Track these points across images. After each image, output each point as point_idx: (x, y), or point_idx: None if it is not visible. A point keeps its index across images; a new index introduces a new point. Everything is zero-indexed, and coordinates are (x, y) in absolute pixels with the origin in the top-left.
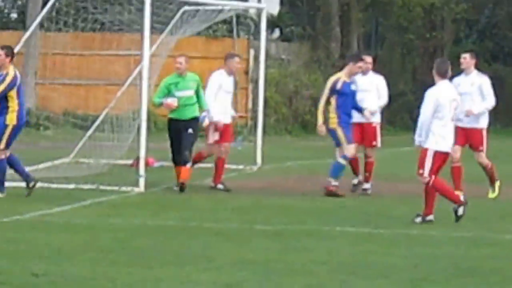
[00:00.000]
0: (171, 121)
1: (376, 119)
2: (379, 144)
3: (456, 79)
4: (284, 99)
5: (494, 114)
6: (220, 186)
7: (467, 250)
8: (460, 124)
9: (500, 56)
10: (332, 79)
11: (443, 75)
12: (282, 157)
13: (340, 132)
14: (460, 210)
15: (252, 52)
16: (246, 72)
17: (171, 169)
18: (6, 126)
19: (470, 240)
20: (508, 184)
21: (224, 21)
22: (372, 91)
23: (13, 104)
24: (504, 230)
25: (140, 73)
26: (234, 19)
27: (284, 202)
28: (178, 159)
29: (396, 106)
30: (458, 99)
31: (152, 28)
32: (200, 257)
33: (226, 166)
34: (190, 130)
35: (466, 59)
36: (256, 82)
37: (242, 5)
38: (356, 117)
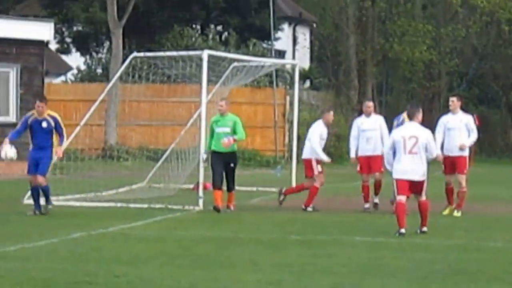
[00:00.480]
0: (213, 153)
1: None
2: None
3: (445, 117)
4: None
5: (479, 146)
6: (309, 208)
7: (459, 255)
8: (450, 154)
9: (484, 100)
10: None
11: (410, 118)
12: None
13: None
14: (402, 231)
15: (288, 98)
16: (284, 115)
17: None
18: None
19: (461, 247)
20: (491, 202)
21: (266, 74)
22: (377, 129)
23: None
24: (488, 238)
25: (199, 116)
26: (274, 73)
27: (314, 217)
28: (219, 184)
29: None
30: (420, 136)
31: (209, 80)
32: (247, 261)
33: (272, 189)
34: (232, 165)
35: (454, 101)
36: (291, 123)
37: (280, 62)
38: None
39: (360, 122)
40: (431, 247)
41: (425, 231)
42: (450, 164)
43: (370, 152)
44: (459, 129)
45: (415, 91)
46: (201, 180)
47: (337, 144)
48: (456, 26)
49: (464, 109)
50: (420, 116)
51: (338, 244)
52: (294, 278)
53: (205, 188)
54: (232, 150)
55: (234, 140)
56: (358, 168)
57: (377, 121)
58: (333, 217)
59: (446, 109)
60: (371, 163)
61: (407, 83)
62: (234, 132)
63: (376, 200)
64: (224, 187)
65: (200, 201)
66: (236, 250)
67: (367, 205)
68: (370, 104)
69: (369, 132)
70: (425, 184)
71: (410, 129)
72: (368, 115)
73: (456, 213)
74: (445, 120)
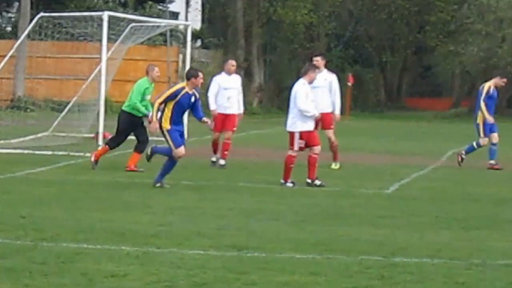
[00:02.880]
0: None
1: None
2: None
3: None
4: (204, 90)
5: (354, 102)
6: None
7: (334, 200)
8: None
9: (359, 60)
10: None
11: (302, 74)
12: (202, 132)
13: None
14: (288, 185)
15: (181, 56)
16: (177, 71)
17: None
18: None
19: (337, 193)
20: (364, 152)
21: (161, 34)
22: (238, 88)
23: None
24: (361, 186)
25: (99, 71)
26: (168, 33)
27: (203, 164)
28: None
29: (284, 96)
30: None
31: (108, 38)
32: (141, 204)
33: None
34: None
35: (318, 60)
36: (183, 79)
37: (174, 22)
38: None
39: (221, 80)
40: (309, 193)
41: (310, 182)
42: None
43: (231, 110)
44: (323, 87)
45: (297, 51)
46: (100, 130)
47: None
48: None
49: (328, 68)
50: (312, 74)
51: (224, 189)
52: (184, 220)
53: (104, 137)
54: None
55: None
56: (212, 126)
57: (237, 80)
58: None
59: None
60: (226, 121)
61: (289, 43)
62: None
63: (214, 159)
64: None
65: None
66: (131, 194)
67: (214, 158)
68: (234, 63)
69: (230, 91)
70: (294, 136)
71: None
72: (230, 73)
73: (334, 166)
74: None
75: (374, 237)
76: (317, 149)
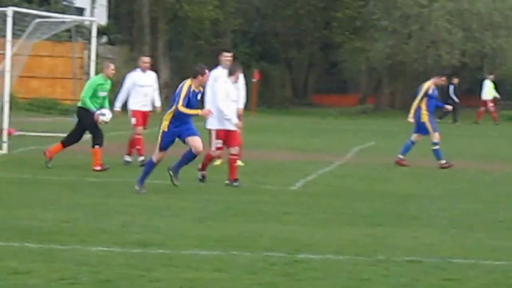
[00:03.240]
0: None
1: None
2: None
3: (216, 71)
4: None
5: (260, 98)
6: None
7: (239, 197)
8: None
9: (265, 57)
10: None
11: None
12: (108, 129)
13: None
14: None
15: (86, 52)
16: (82, 67)
17: (28, 137)
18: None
19: (242, 190)
20: (269, 148)
21: (66, 30)
22: (153, 85)
23: None
24: (266, 182)
25: (4, 67)
26: (74, 29)
27: (109, 161)
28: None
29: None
30: None
31: (13, 34)
32: (46, 201)
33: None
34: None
35: (230, 56)
36: (88, 74)
37: (79, 18)
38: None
39: (136, 77)
40: (214, 190)
41: (229, 183)
42: None
43: (147, 107)
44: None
45: (203, 47)
46: (5, 126)
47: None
48: None
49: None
50: (239, 74)
51: (130, 186)
52: (88, 216)
53: (9, 133)
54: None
55: None
56: (134, 121)
57: (152, 76)
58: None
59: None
60: (145, 118)
61: (195, 39)
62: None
63: (129, 159)
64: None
65: (4, 146)
66: (36, 191)
67: (128, 158)
68: (147, 59)
69: (147, 88)
70: (211, 135)
71: None
72: (144, 70)
73: (239, 163)
74: (216, 75)
75: (279, 234)
76: (234, 149)
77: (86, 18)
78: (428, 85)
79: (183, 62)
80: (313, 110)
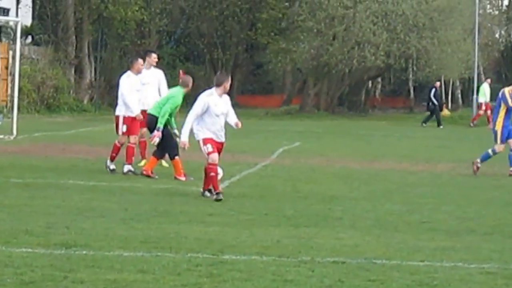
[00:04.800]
0: None
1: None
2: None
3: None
4: (34, 87)
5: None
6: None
7: (164, 198)
8: (142, 107)
9: (191, 57)
10: None
11: (217, 85)
12: (32, 130)
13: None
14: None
15: (11, 53)
16: (7, 67)
17: None
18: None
19: (167, 191)
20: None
21: None
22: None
23: None
24: (190, 184)
25: None
26: None
27: (33, 162)
28: None
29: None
30: None
31: None
32: None
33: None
34: None
35: (156, 57)
36: (13, 75)
37: (3, 18)
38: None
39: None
40: (139, 191)
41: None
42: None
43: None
44: (152, 84)
45: (127, 48)
46: None
47: (55, 96)
48: None
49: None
50: (227, 85)
51: (54, 187)
52: (12, 218)
53: None
54: None
55: None
56: (125, 129)
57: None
58: (50, 162)
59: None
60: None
61: (120, 40)
62: None
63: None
64: None
65: None
66: None
67: (112, 166)
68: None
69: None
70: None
71: None
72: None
73: (141, 163)
74: (140, 76)
75: (203, 235)
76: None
77: (10, 18)
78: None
79: (107, 63)
80: (238, 111)
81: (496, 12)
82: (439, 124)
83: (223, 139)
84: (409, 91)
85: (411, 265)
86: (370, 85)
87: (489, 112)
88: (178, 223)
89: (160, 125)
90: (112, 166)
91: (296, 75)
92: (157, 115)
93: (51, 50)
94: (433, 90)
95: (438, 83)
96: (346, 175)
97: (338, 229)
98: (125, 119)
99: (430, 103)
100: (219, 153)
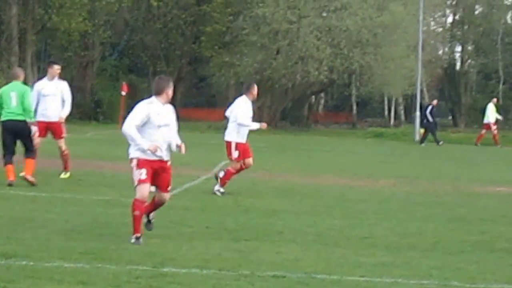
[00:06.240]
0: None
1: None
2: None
3: (41, 83)
4: None
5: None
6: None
7: (105, 209)
8: (43, 119)
9: (134, 69)
10: None
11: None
12: None
13: None
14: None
15: None
16: None
17: None
18: None
19: (107, 202)
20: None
21: None
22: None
23: None
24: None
25: None
26: None
27: None
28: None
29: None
30: None
31: None
32: None
33: None
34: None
35: (59, 68)
36: None
37: None
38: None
39: (41, 86)
40: (79, 202)
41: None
42: (45, 129)
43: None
44: (54, 95)
45: (71, 59)
46: None
47: None
48: (110, 0)
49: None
50: (170, 91)
51: None
52: None
53: None
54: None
55: None
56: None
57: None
58: None
59: (98, 77)
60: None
61: (64, 51)
62: None
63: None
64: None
65: None
66: None
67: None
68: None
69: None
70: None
71: None
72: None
73: (64, 175)
74: (40, 87)
75: (144, 247)
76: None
77: None
78: None
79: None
80: (180, 124)
81: (440, 29)
82: (437, 142)
83: (165, 157)
84: (351, 106)
85: (351, 280)
86: (313, 100)
87: (495, 131)
88: (118, 235)
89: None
90: (222, 190)
91: (240, 89)
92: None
93: None
94: (430, 107)
95: (435, 101)
96: (288, 190)
97: (278, 243)
98: (238, 145)
99: (425, 120)
100: (164, 175)
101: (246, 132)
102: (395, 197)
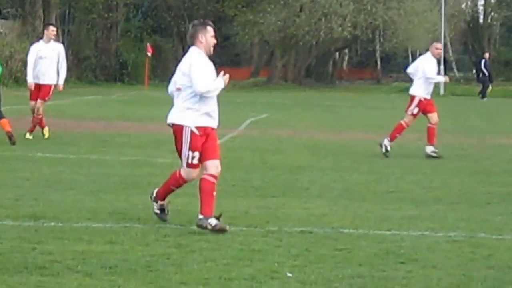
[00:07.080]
0: None
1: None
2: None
3: (37, 45)
4: (2, 61)
5: (153, 72)
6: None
7: (132, 170)
8: (37, 81)
9: (158, 30)
10: None
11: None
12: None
13: None
14: None
15: None
16: None
17: None
18: None
19: (134, 163)
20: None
21: None
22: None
23: None
24: (158, 155)
25: None
26: None
27: (0, 135)
28: None
29: (83, 66)
30: None
31: None
32: None
33: None
34: None
35: (52, 30)
36: None
37: None
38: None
39: (38, 49)
40: (106, 163)
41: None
42: (38, 91)
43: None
44: (51, 58)
45: (95, 21)
46: None
47: (23, 69)
48: None
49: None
50: (202, 37)
51: (22, 159)
52: None
53: None
54: None
55: None
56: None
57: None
58: (18, 135)
59: (122, 39)
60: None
61: (88, 13)
62: None
63: (29, 137)
64: None
65: None
66: None
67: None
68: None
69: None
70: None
71: None
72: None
73: (29, 136)
74: (37, 49)
75: (171, 206)
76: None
77: None
78: None
79: (75, 36)
80: None
81: None
82: (483, 96)
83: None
84: (376, 62)
85: (378, 234)
86: (337, 56)
87: None
88: (146, 195)
89: None
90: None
91: (263, 47)
92: None
93: (18, 24)
94: (483, 61)
95: (487, 55)
96: (313, 146)
97: (305, 199)
98: (421, 102)
99: (481, 74)
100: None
101: (431, 88)
102: (420, 151)
